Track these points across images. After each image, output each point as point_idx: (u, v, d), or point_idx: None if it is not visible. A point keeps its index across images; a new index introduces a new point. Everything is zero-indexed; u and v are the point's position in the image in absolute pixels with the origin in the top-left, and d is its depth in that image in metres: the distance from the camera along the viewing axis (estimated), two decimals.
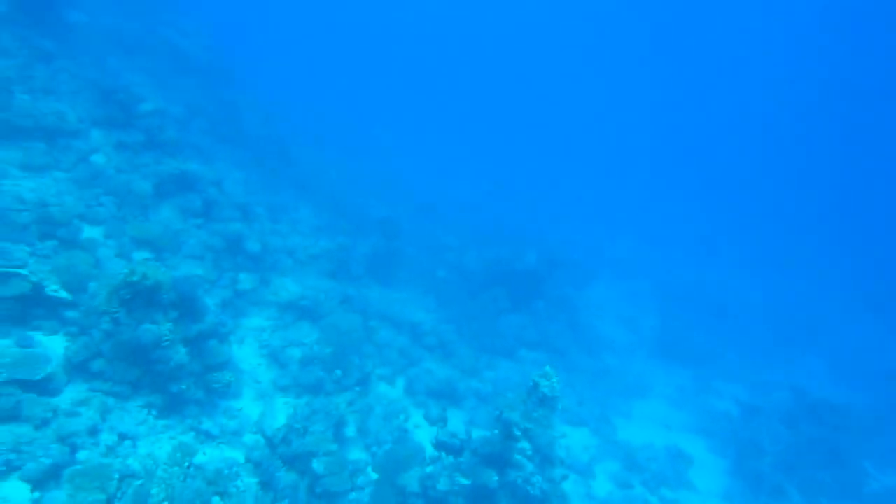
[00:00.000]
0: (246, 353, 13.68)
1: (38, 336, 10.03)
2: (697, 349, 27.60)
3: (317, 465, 10.95)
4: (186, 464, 9.27)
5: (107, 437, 9.33)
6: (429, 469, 11.53)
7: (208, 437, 10.80)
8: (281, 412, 12.47)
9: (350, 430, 13.04)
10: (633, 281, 34.67)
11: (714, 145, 79.24)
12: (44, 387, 9.22)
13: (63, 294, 10.55)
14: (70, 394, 9.61)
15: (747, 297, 36.85)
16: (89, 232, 12.87)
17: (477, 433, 12.10)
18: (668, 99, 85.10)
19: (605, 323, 27.44)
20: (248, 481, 10.07)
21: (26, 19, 16.80)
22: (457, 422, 15.23)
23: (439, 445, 11.95)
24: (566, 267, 25.15)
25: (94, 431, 9.24)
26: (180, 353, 10.62)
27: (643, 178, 61.63)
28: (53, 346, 10.04)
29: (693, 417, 22.40)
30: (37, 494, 7.88)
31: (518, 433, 10.70)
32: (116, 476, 8.31)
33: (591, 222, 42.63)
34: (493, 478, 10.47)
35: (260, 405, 12.49)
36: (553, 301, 23.07)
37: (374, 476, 12.03)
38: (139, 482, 8.52)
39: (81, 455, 8.70)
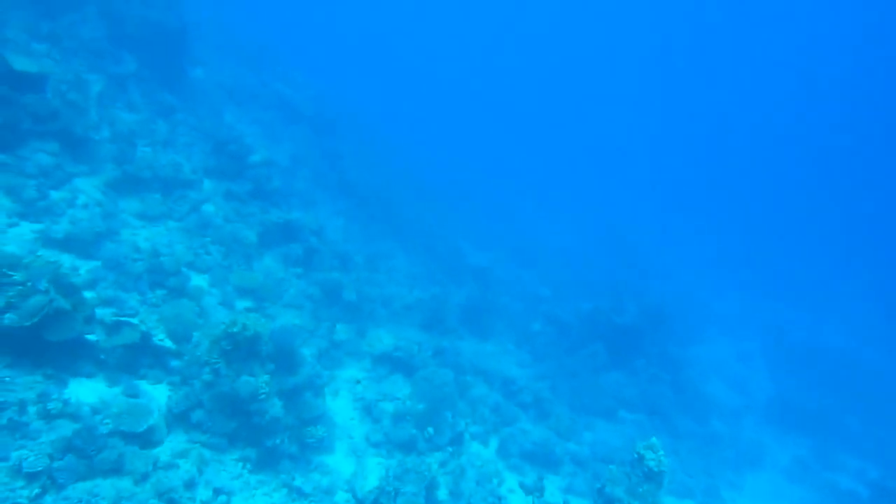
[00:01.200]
0: (340, 406, 13.52)
1: (144, 385, 10.24)
2: (816, 416, 25.24)
3: None
4: None
5: (203, 493, 9.28)
6: None
7: (301, 494, 10.58)
8: (373, 471, 12.14)
9: (442, 494, 12.50)
10: (740, 336, 32.48)
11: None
12: (146, 438, 9.33)
13: (168, 343, 10.79)
14: (170, 444, 9.68)
15: (869, 356, 33.65)
16: (196, 280, 13.24)
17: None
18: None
19: (712, 383, 25.65)
20: None
21: (153, 75, 17.98)
22: (553, 489, 14.37)
23: None
24: (669, 321, 23.80)
25: (190, 485, 9.21)
26: (276, 407, 10.55)
27: (736, 216, 58.58)
28: (157, 395, 10.21)
29: (813, 495, 20.30)
30: None
31: None
32: None
33: (689, 268, 40.65)
34: None
35: (352, 462, 12.22)
36: (655, 358, 21.79)
37: None
38: None
39: None
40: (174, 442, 9.78)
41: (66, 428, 8.37)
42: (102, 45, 16.81)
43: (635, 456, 10.73)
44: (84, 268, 11.30)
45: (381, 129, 33.33)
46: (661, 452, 10.74)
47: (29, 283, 8.90)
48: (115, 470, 8.45)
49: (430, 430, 13.53)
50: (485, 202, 35.38)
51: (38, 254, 10.29)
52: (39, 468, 7.78)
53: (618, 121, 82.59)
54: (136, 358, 10.39)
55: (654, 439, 10.93)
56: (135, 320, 10.61)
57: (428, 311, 17.41)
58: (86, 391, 9.35)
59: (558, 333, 21.37)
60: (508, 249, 28.64)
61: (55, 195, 12.16)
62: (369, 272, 18.23)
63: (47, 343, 9.00)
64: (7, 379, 8.54)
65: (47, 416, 8.46)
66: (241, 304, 13.63)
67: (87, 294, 10.40)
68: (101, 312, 10.42)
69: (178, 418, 10.08)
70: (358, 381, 14.37)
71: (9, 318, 8.58)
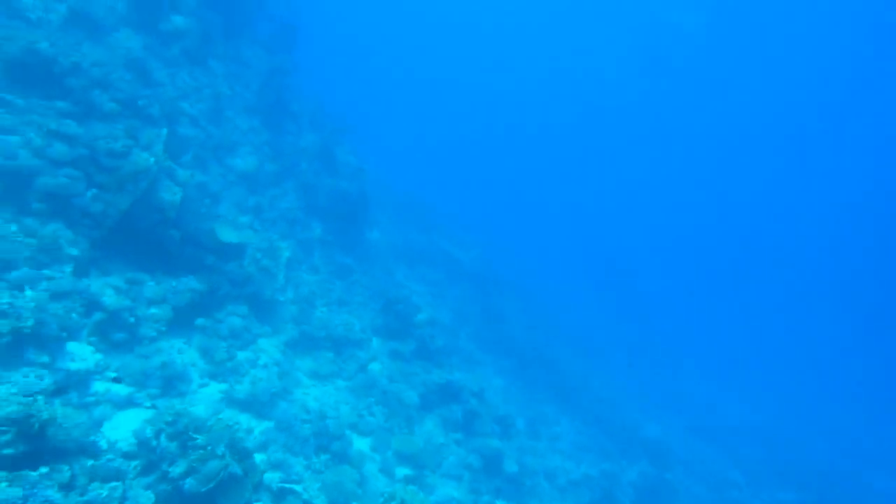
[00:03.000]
0: None
1: None
2: None
3: None
4: None
5: None
6: None
7: None
8: None
9: None
10: None
11: None
12: None
13: None
14: None
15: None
16: (358, 444, 13.18)
17: None
18: None
19: None
20: None
21: (335, 239, 19.51)
22: None
23: None
24: None
25: None
26: None
27: None
28: None
29: None
30: None
31: None
32: None
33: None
34: None
35: None
36: None
37: None
38: None
39: None
40: None
41: None
42: (297, 214, 18.66)
43: None
44: (258, 429, 11.67)
45: (544, 289, 33.29)
46: None
47: (209, 447, 9.23)
48: None
49: None
50: (657, 367, 33.24)
51: (220, 416, 10.79)
52: None
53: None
54: None
55: None
56: (298, 487, 10.57)
57: (597, 489, 15.90)
58: None
59: None
60: (684, 419, 26.14)
61: (241, 356, 12.99)
62: (531, 440, 17.25)
63: None
64: None
65: None
66: (401, 471, 13.26)
67: (259, 457, 10.62)
68: (269, 477, 10.52)
69: None
70: None
71: (189, 483, 8.85)
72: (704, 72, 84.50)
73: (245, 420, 11.72)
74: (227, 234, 13.72)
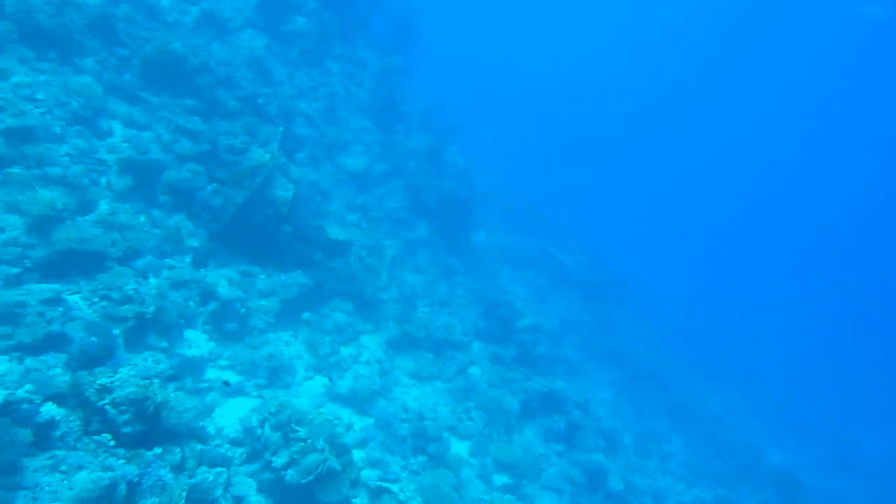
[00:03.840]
0: None
1: None
2: None
3: None
4: None
5: None
6: None
7: None
8: None
9: None
10: None
11: None
12: None
13: None
14: None
15: None
16: (456, 447, 12.97)
17: None
18: None
19: None
20: None
21: (441, 241, 19.49)
22: None
23: None
24: None
25: None
26: None
27: None
28: None
29: None
30: None
31: None
32: None
33: None
34: None
35: None
36: None
37: None
38: None
39: None
40: None
41: None
42: (402, 213, 18.80)
43: None
44: (358, 425, 11.73)
45: (653, 297, 31.82)
46: None
47: (309, 440, 9.32)
48: None
49: None
50: (786, 381, 30.85)
51: (322, 409, 10.92)
52: None
53: None
54: None
55: None
56: (395, 487, 10.49)
57: None
58: None
59: None
60: (812, 447, 24.03)
61: (344, 351, 13.14)
62: (639, 457, 16.40)
63: (318, 503, 9.17)
64: None
65: None
66: (499, 479, 12.92)
67: (357, 454, 10.65)
68: (366, 474, 10.52)
69: None
70: None
71: (290, 474, 8.97)
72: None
73: (345, 415, 11.82)
74: (335, 232, 13.95)
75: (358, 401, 12.18)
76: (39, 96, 10.27)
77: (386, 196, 18.85)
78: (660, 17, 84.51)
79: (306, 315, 13.00)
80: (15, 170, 8.85)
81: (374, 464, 11.03)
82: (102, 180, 10.47)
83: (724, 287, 46.81)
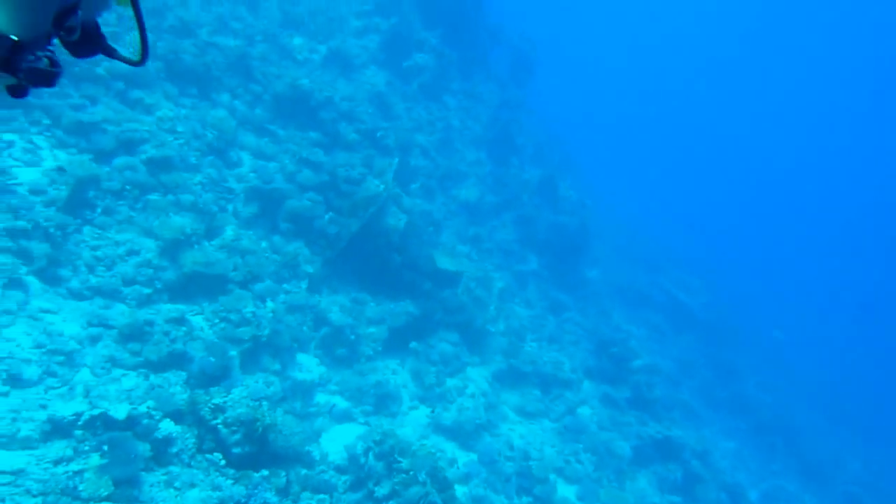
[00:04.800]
0: None
1: None
2: None
3: None
4: None
5: None
6: None
7: None
8: None
9: None
10: None
11: None
12: None
13: None
14: None
15: None
16: (563, 491, 12.42)
17: None
18: None
19: None
20: None
21: (550, 274, 19.09)
22: None
23: None
24: None
25: None
26: None
27: None
28: None
29: None
30: None
31: None
32: None
33: None
34: None
35: None
36: None
37: None
38: None
39: None
40: None
41: None
42: (513, 246, 18.62)
43: None
44: (461, 460, 11.52)
45: (783, 340, 29.40)
46: None
47: (412, 472, 9.22)
48: None
49: None
50: None
51: (426, 441, 10.82)
52: None
53: None
54: None
55: None
56: None
57: None
58: None
59: None
60: None
61: (450, 382, 13.03)
62: None
63: None
64: None
65: None
66: None
67: (459, 489, 10.41)
68: None
69: None
70: None
71: None
72: None
73: (449, 449, 11.65)
74: (445, 262, 13.98)
75: (462, 434, 11.99)
76: (179, 129, 11.12)
77: (497, 228, 18.77)
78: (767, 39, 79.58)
79: (413, 344, 13.04)
80: (153, 196, 9.59)
81: (476, 501, 10.77)
82: (230, 207, 11.11)
83: (859, 328, 42.54)
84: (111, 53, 1.82)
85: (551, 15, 63.00)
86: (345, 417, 10.91)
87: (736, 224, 54.25)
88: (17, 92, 1.65)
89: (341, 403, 11.04)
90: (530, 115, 24.16)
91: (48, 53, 1.56)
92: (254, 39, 14.51)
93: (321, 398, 10.89)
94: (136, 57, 1.81)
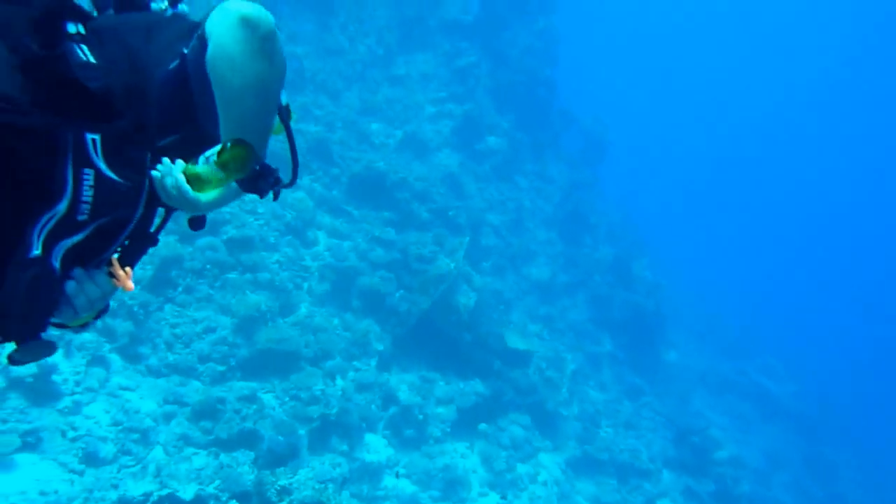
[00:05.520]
0: None
1: None
2: None
3: None
4: None
5: None
6: None
7: None
8: None
9: None
10: None
11: None
12: None
13: None
14: None
15: None
16: None
17: None
18: None
19: None
20: None
21: (626, 356, 18.44)
22: None
23: None
24: None
25: None
26: None
27: None
28: None
29: None
30: None
31: None
32: None
33: None
34: None
35: None
36: None
37: None
38: None
39: None
40: None
41: None
42: (586, 326, 18.18)
43: None
44: None
45: (886, 438, 26.97)
46: None
47: None
48: None
49: None
50: None
51: None
52: None
53: None
54: None
55: None
56: None
57: None
58: None
59: None
60: None
61: (521, 468, 12.54)
62: None
63: None
64: None
65: None
66: None
67: None
68: None
69: None
70: None
71: None
72: None
73: None
74: (515, 341, 13.76)
75: None
76: (260, 210, 11.65)
77: (569, 308, 18.43)
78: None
79: (483, 426, 12.69)
80: (232, 275, 9.97)
81: None
82: (305, 285, 11.41)
83: None
84: (276, 184, 1.99)
85: (627, 97, 63.74)
86: (412, 502, 10.61)
87: (820, 299, 51.04)
88: (196, 224, 2.00)
89: (408, 487, 10.77)
90: (603, 195, 24.06)
91: (276, 173, 1.83)
92: (334, 126, 15.26)
93: (388, 481, 10.67)
94: (287, 179, 2.00)
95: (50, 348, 1.71)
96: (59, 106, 1.45)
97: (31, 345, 1.64)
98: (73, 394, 7.54)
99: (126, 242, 1.84)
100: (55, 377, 7.46)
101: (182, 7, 2.00)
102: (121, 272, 1.73)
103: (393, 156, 16.38)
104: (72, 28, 1.65)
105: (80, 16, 1.73)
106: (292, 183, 2.07)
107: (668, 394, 18.37)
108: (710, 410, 18.99)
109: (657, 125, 68.72)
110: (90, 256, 1.70)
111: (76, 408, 7.52)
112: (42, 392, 7.29)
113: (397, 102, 17.68)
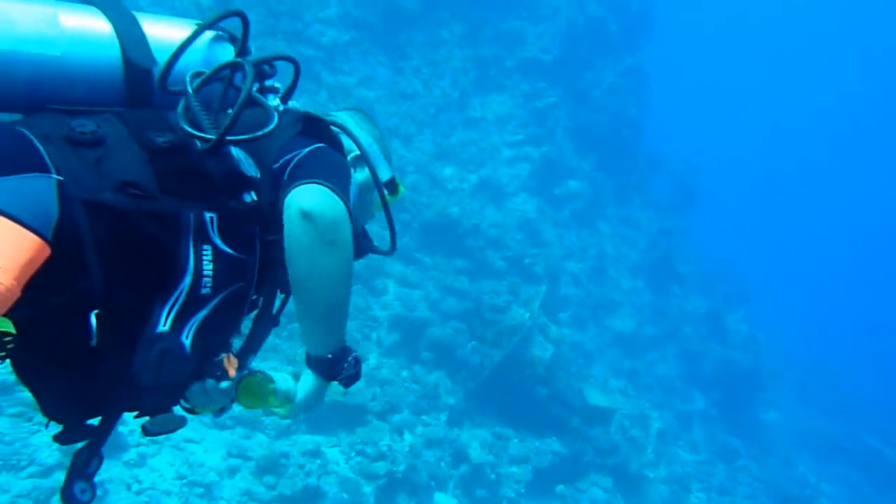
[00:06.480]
0: None
1: None
2: None
3: None
4: None
5: None
6: None
7: None
8: None
9: None
10: None
11: None
12: None
13: None
14: None
15: None
16: None
17: None
18: None
19: None
20: None
21: (719, 415, 17.12)
22: None
23: None
24: None
25: None
26: None
27: None
28: None
29: None
30: None
31: None
32: None
33: None
34: None
35: None
36: None
37: None
38: None
39: None
40: None
41: None
42: (674, 382, 17.05)
43: None
44: None
45: None
46: None
47: None
48: None
49: None
50: None
51: None
52: None
53: None
54: None
55: None
56: None
57: None
58: None
59: None
60: None
61: None
62: None
63: None
64: None
65: None
66: None
67: None
68: None
69: None
70: None
71: None
72: None
73: None
74: (595, 397, 12.98)
75: None
76: None
77: (656, 362, 17.36)
78: None
79: (560, 488, 11.92)
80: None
81: None
82: (374, 335, 11.20)
83: None
84: (374, 250, 2.36)
85: (723, 138, 61.17)
86: None
87: None
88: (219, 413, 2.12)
89: None
90: (694, 243, 22.87)
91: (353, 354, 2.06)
92: (405, 171, 15.22)
93: None
94: (386, 247, 2.37)
95: (180, 422, 1.91)
96: (183, 190, 1.67)
97: (161, 417, 1.86)
98: (138, 445, 7.53)
99: (252, 329, 2.10)
100: (122, 428, 7.47)
101: (292, 104, 2.13)
102: (230, 367, 1.89)
103: (467, 200, 16.13)
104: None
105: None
106: (392, 251, 2.37)
107: (768, 457, 16.83)
108: (816, 477, 17.26)
109: (757, 169, 65.40)
110: (220, 337, 1.91)
111: (141, 460, 7.49)
112: (109, 444, 7.30)
113: (472, 145, 17.49)
